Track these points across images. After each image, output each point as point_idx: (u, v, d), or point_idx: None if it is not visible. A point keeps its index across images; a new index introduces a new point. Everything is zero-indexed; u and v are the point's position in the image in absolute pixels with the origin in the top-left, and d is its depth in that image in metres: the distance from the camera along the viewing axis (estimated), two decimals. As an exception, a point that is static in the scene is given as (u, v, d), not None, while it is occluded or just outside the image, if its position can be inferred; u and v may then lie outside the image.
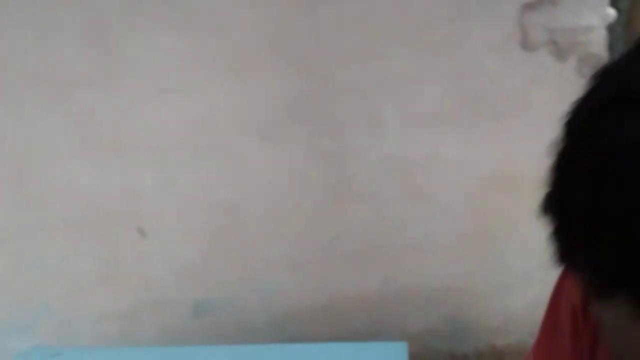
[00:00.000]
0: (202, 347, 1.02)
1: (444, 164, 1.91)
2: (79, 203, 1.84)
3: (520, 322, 2.11)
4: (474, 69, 1.81)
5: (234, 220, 1.91)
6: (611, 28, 1.80)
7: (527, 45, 1.74)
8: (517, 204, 1.98)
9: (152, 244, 1.87)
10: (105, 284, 1.88)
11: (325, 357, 1.10)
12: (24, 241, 1.88)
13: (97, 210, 1.84)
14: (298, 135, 1.85)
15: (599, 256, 0.35)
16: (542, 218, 0.42)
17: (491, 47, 1.77)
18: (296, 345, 1.18)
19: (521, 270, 2.05)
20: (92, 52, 1.73)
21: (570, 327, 0.56)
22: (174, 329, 1.93)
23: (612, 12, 1.73)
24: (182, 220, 1.88)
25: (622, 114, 0.35)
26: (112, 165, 1.81)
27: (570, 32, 1.75)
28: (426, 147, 1.89)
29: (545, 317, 0.62)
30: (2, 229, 1.87)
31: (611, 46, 1.82)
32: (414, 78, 1.81)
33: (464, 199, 1.96)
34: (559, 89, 1.83)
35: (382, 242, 1.99)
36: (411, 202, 1.95)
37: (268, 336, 2.02)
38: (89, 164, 1.81)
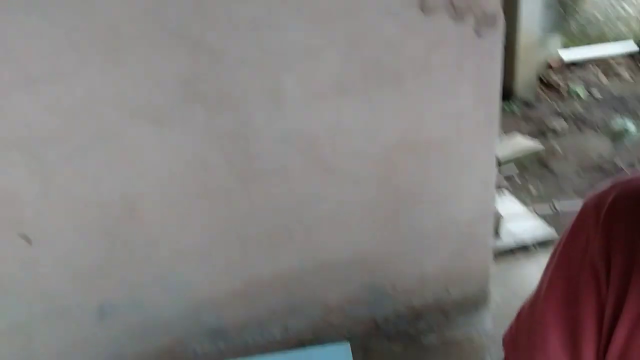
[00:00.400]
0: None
1: (349, 134, 1.86)
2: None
3: (434, 280, 2.15)
4: (373, 34, 1.74)
5: (133, 215, 1.75)
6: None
7: (425, 8, 1.70)
8: (425, 167, 1.99)
9: (41, 251, 1.68)
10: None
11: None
12: None
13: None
14: (194, 116, 1.70)
15: None
16: None
17: (389, 12, 1.70)
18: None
19: (432, 230, 2.08)
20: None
21: (589, 280, 0.58)
22: (77, 339, 1.77)
23: (503, -31, 1.72)
24: (73, 221, 1.70)
25: None
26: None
27: (466, -9, 1.72)
28: (330, 118, 1.83)
29: (553, 268, 0.63)
30: None
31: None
32: (312, 47, 1.72)
33: (371, 167, 1.93)
34: (459, 51, 1.82)
35: (294, 218, 1.93)
36: (320, 175, 1.90)
37: (183, 330, 1.92)
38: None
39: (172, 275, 1.85)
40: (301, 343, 2.08)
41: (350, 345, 2.16)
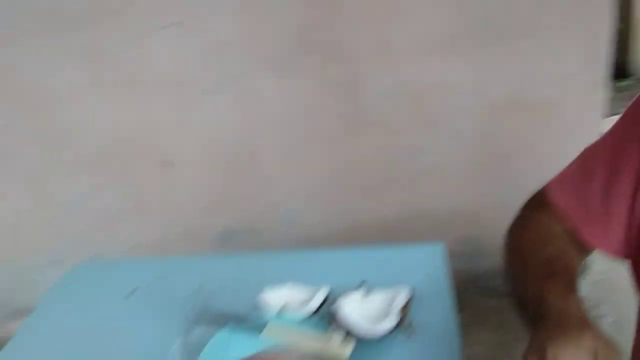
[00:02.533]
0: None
1: (456, 90, 1.94)
2: (101, 138, 1.89)
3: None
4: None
5: (251, 152, 1.96)
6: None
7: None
8: (527, 128, 2.02)
9: (175, 177, 1.93)
10: (133, 216, 1.95)
11: (367, 260, 1.12)
12: (51, 178, 1.94)
13: (119, 145, 1.89)
14: (310, 65, 1.86)
15: None
16: None
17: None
18: (336, 251, 1.20)
19: (530, 191, 2.10)
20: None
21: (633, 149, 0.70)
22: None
23: None
24: (201, 154, 1.93)
25: None
26: (129, 101, 1.85)
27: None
28: (438, 73, 1.91)
29: (612, 128, 0.77)
30: (29, 167, 1.93)
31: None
32: (424, 2, 1.81)
33: (475, 124, 1.99)
34: (569, 11, 1.84)
35: (397, 169, 2.04)
36: (424, 128, 1.99)
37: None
38: (106, 99, 1.84)
39: (283, 211, 2.03)
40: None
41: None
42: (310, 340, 0.72)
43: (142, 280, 1.11)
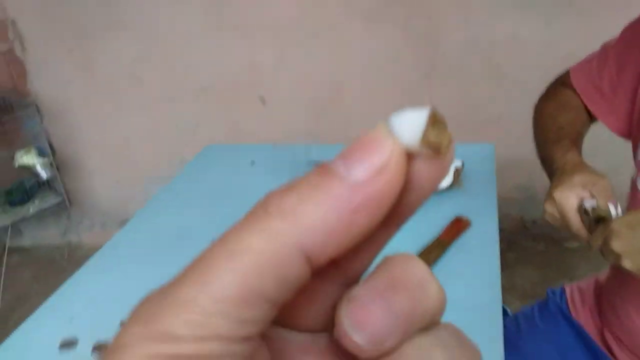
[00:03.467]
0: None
1: (524, 45, 2.15)
2: (212, 75, 2.24)
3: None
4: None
5: (338, 94, 2.26)
6: None
7: None
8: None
9: (270, 112, 2.26)
10: (233, 143, 2.30)
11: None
12: (166, 106, 2.33)
13: (226, 80, 2.24)
14: (396, 17, 2.13)
15: None
16: None
17: None
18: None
19: (588, 147, 2.28)
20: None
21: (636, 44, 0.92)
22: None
23: None
24: (294, 93, 2.25)
25: None
26: (239, 43, 2.19)
27: None
28: (508, 29, 2.13)
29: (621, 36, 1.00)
30: (152, 95, 2.32)
31: None
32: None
33: (541, 78, 2.18)
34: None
35: (465, 117, 2.28)
36: (492, 80, 2.22)
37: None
38: (221, 41, 2.19)
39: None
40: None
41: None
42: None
43: (257, 156, 1.45)
